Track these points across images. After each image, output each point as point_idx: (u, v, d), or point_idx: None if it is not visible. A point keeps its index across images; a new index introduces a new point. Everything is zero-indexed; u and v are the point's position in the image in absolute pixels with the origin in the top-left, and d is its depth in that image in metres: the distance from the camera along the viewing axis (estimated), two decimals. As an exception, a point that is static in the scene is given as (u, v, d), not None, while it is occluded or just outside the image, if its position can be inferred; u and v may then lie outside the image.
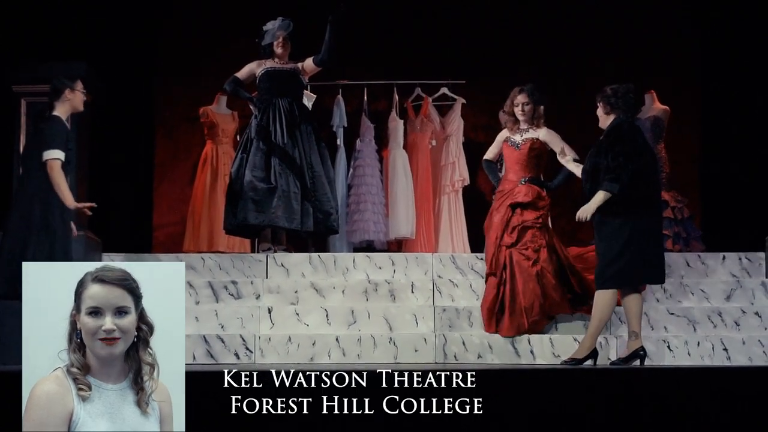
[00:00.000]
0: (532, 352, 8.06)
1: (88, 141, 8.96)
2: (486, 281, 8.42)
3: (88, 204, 7.50)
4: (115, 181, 10.88)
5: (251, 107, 9.27)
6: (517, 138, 8.53)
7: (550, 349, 8.02)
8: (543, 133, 8.46)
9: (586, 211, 7.23)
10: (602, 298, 7.25)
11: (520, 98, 8.50)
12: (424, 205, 10.46)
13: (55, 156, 7.39)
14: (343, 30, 9.10)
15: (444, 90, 10.89)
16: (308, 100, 9.84)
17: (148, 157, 11.38)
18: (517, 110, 8.50)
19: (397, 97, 10.74)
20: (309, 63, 9.28)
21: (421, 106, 10.75)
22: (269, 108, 9.13)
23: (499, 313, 8.22)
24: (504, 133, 8.62)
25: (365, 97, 10.90)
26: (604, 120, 7.40)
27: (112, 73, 9.82)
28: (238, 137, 10.84)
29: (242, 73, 9.28)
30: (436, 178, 10.67)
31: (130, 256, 8.97)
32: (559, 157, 8.22)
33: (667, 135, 10.60)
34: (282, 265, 8.85)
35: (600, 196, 7.15)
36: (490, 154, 8.76)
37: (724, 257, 8.95)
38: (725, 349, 7.98)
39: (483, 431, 5.16)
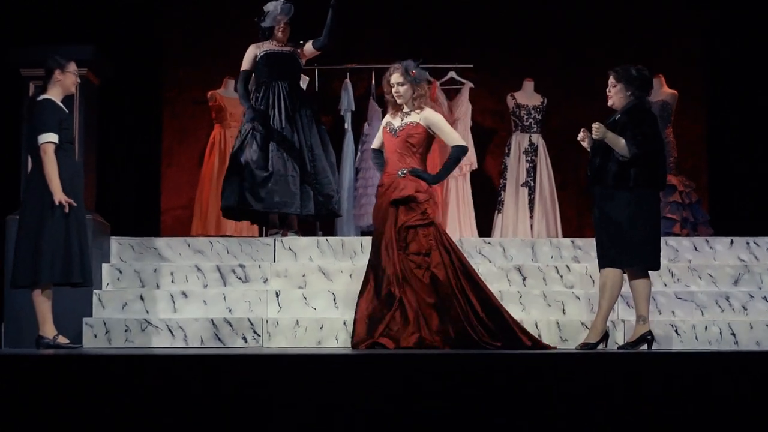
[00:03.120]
0: (539, 336, 8.05)
1: (96, 124, 8.96)
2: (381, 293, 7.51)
3: (69, 201, 7.41)
4: (123, 165, 10.89)
5: (247, 107, 9.11)
6: (396, 123, 7.66)
7: (557, 333, 8.02)
8: (424, 116, 7.60)
9: (602, 130, 7.10)
10: (610, 277, 7.22)
11: (394, 78, 7.62)
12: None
13: (48, 140, 7.37)
14: (343, 14, 9.09)
15: (452, 74, 10.88)
16: (303, 83, 9.89)
17: (156, 141, 11.39)
18: (394, 91, 7.63)
19: (403, 81, 10.71)
20: (308, 47, 9.27)
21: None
22: (268, 91, 9.14)
23: (380, 323, 7.38)
24: (386, 118, 7.82)
25: (373, 81, 10.89)
26: (620, 99, 7.30)
27: (120, 56, 9.81)
28: (245, 121, 10.85)
29: (247, 63, 9.25)
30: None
31: (138, 239, 8.98)
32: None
33: (675, 119, 10.59)
34: (290, 249, 8.85)
35: (620, 142, 7.07)
36: (376, 142, 7.91)
37: (731, 241, 8.94)
38: (733, 334, 7.98)
39: (488, 415, 5.17)
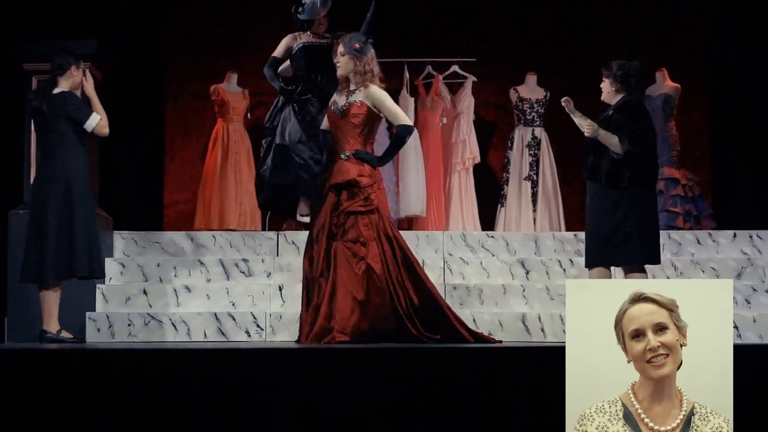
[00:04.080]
0: (542, 330, 8.06)
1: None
2: (309, 284, 7.23)
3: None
4: (126, 160, 10.89)
5: (281, 90, 8.88)
6: (341, 102, 7.26)
7: (560, 326, 8.02)
8: (367, 94, 7.21)
9: (594, 128, 7.08)
10: (598, 276, 7.22)
11: (338, 50, 7.31)
12: (434, 183, 10.44)
13: (96, 120, 7.55)
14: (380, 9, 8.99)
15: (455, 68, 10.86)
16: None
17: (159, 136, 11.38)
18: (335, 61, 7.31)
19: (407, 75, 10.70)
20: None
21: (431, 84, 10.73)
22: (306, 84, 8.85)
23: (312, 316, 7.10)
24: (333, 97, 7.47)
25: (376, 75, 10.87)
26: (612, 96, 7.31)
27: (122, 50, 9.80)
28: (248, 115, 10.85)
29: (279, 51, 8.99)
30: (447, 156, 10.66)
31: (141, 234, 8.98)
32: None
33: (678, 113, 10.58)
34: (293, 243, 8.86)
35: (612, 140, 7.06)
36: (324, 122, 7.58)
37: (734, 235, 8.95)
38: (736, 327, 7.98)
39: (492, 408, 5.17)
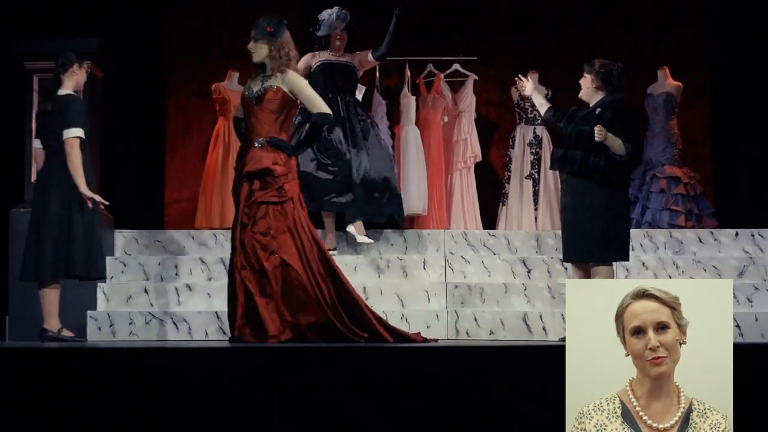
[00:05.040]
0: (544, 328, 8.06)
1: (99, 117, 8.96)
2: (237, 278, 6.84)
3: (99, 199, 7.42)
4: (127, 158, 10.88)
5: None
6: (256, 88, 6.96)
7: (562, 325, 8.01)
8: (284, 79, 6.92)
9: (604, 132, 7.09)
10: (602, 273, 7.23)
11: (252, 34, 7.06)
12: (436, 181, 10.43)
13: (76, 134, 7.41)
14: (406, 23, 8.88)
15: (456, 66, 10.85)
16: (359, 92, 9.66)
17: (160, 134, 11.37)
18: (249, 47, 7.05)
19: (409, 73, 10.68)
20: (367, 57, 8.98)
21: (433, 82, 10.72)
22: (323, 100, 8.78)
23: (250, 314, 6.75)
24: (247, 83, 7.17)
25: (377, 74, 10.85)
26: (591, 93, 7.39)
27: (123, 49, 9.80)
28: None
29: (299, 70, 8.91)
30: (448, 155, 10.64)
31: (142, 232, 8.98)
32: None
33: (680, 111, 10.57)
34: (294, 242, 8.85)
35: (616, 142, 7.11)
36: (238, 110, 7.26)
37: (736, 233, 8.94)
38: (738, 326, 7.97)
39: (492, 408, 5.16)
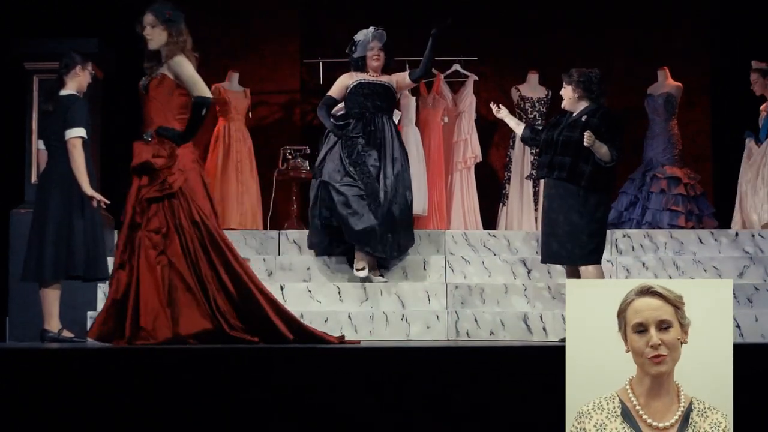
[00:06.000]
0: (544, 329, 8.06)
1: (99, 117, 8.96)
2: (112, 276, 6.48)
3: (100, 198, 7.41)
4: (126, 158, 10.86)
5: (333, 127, 8.56)
6: (147, 78, 6.62)
7: (562, 326, 8.01)
8: (169, 66, 6.51)
9: (593, 138, 7.16)
10: (592, 273, 7.27)
11: (147, 19, 6.64)
12: (436, 182, 10.44)
13: (78, 134, 7.42)
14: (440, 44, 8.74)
15: (456, 67, 10.85)
16: (395, 116, 9.54)
17: (161, 134, 11.36)
18: (145, 33, 6.62)
19: (411, 73, 10.69)
20: (404, 78, 8.77)
21: (433, 82, 10.73)
22: (359, 124, 8.56)
23: (115, 314, 6.31)
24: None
25: (377, 74, 10.86)
26: (574, 102, 7.48)
27: (123, 49, 9.79)
28: (250, 114, 10.85)
29: (335, 91, 8.72)
30: (448, 155, 10.65)
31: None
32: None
33: (680, 111, 10.58)
34: (294, 242, 8.86)
35: (602, 149, 7.20)
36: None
37: (736, 234, 8.94)
38: (738, 326, 7.96)
39: (493, 408, 5.16)
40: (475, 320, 8.08)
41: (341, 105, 8.77)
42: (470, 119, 10.69)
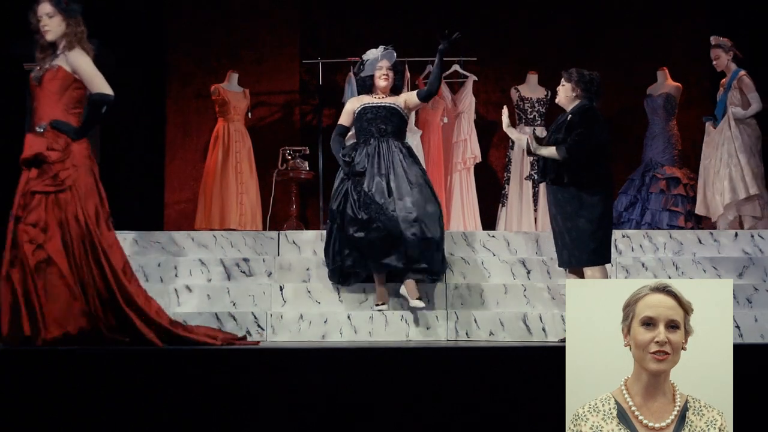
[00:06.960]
0: (544, 329, 8.05)
1: (99, 118, 8.96)
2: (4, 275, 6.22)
3: None
4: (126, 159, 10.88)
5: (342, 163, 8.20)
6: (40, 69, 6.39)
7: (562, 326, 8.01)
8: (66, 58, 6.36)
9: (536, 148, 7.34)
10: (595, 275, 7.28)
11: (43, 8, 6.45)
12: (435, 182, 10.41)
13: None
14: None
15: (455, 67, 10.86)
16: (412, 135, 9.34)
17: (160, 135, 11.38)
18: (41, 25, 6.41)
19: (408, 74, 10.69)
20: (413, 98, 8.39)
21: (432, 83, 10.72)
22: (365, 149, 8.22)
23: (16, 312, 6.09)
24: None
25: (377, 74, 10.87)
26: (569, 100, 7.51)
27: (123, 50, 9.81)
28: (249, 114, 10.86)
29: (344, 118, 8.40)
30: (448, 156, 10.66)
31: (141, 233, 8.98)
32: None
33: (679, 112, 10.58)
34: (294, 243, 8.85)
35: (551, 151, 7.31)
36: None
37: (736, 234, 8.94)
38: (737, 327, 7.96)
39: (493, 408, 5.16)
40: (475, 321, 8.07)
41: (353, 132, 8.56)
42: (470, 120, 10.69)
